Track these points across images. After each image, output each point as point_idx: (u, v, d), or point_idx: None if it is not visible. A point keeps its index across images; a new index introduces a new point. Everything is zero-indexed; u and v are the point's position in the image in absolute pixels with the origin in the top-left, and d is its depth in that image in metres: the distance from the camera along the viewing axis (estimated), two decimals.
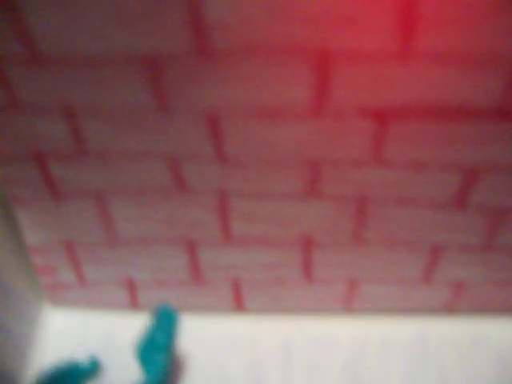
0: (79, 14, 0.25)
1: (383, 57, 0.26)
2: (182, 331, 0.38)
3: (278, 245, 0.35)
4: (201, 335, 0.40)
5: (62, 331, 0.40)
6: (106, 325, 0.40)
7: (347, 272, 0.37)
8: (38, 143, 0.31)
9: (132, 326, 0.39)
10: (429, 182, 0.31)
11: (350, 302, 0.39)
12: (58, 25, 0.26)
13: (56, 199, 0.34)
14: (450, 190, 0.31)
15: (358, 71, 0.27)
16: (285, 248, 0.36)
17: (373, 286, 0.38)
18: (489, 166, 0.30)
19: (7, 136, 0.31)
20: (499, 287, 0.37)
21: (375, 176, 0.31)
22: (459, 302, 0.39)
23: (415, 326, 0.39)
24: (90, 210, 0.34)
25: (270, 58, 0.26)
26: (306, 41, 0.25)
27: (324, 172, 0.31)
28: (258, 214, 0.34)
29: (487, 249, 0.35)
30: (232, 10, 0.25)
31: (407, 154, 0.30)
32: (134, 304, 0.40)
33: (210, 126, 0.29)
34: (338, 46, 0.26)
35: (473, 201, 0.32)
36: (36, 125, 0.30)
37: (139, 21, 0.25)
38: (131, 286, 0.39)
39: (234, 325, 0.40)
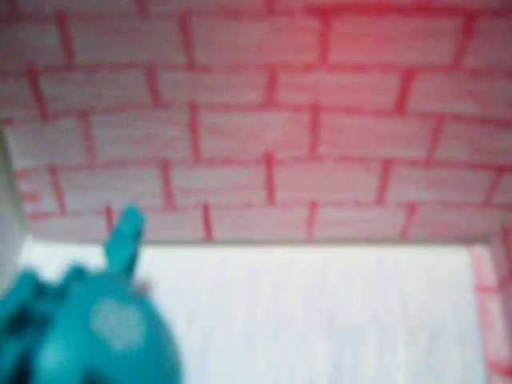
0: None
1: None
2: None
3: (242, 163, 0.39)
4: (169, 264, 0.43)
5: (43, 263, 0.43)
6: (86, 257, 0.43)
7: (306, 194, 0.40)
8: (31, 57, 0.35)
9: None
10: (371, 87, 0.35)
11: (310, 228, 0.42)
12: None
13: (43, 119, 0.37)
14: (390, 95, 0.35)
15: None
16: (249, 166, 0.39)
17: (331, 210, 0.41)
18: (424, 66, 0.34)
19: (1, 50, 0.35)
20: (448, 209, 0.41)
21: (324, 80, 0.35)
22: (413, 227, 0.42)
23: (373, 253, 0.43)
24: (73, 130, 0.38)
25: None
26: None
27: (279, 77, 0.35)
28: (224, 129, 0.37)
29: (432, 163, 0.38)
30: None
31: (350, 56, 0.34)
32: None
33: (181, 29, 0.33)
34: None
35: (412, 106, 0.36)
36: (30, 36, 0.34)
37: None
38: (109, 215, 0.42)
39: (202, 254, 0.43)
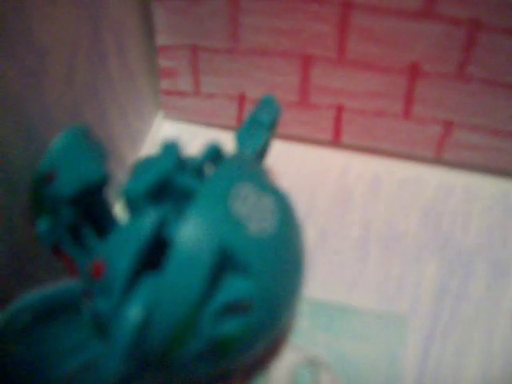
0: None
1: None
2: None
3: (385, 71, 0.38)
4: (294, 159, 0.43)
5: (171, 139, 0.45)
6: (214, 139, 0.44)
7: (444, 112, 0.39)
8: None
9: None
10: None
11: (440, 148, 0.41)
12: None
13: None
14: None
15: None
16: (391, 75, 0.38)
17: (466, 133, 0.40)
18: None
19: None
20: None
21: None
22: None
23: (500, 184, 0.41)
24: (221, 12, 0.38)
25: None
26: None
27: None
28: (374, 33, 0.36)
29: None
30: None
31: None
32: (239, 123, 0.43)
33: None
34: None
35: None
36: None
37: None
38: (242, 102, 0.43)
39: (327, 156, 0.43)
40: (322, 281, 0.38)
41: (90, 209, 0.31)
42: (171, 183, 0.28)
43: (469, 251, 0.39)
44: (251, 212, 0.26)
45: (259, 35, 0.38)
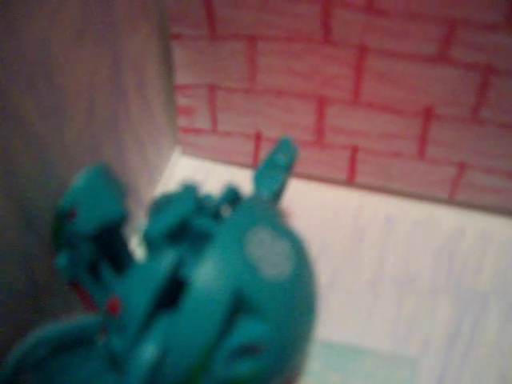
0: None
1: None
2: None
3: (400, 113, 0.39)
4: (308, 198, 0.44)
5: (187, 176, 0.45)
6: (229, 177, 0.45)
7: (458, 154, 0.39)
8: None
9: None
10: None
11: (454, 189, 0.41)
12: None
13: (212, 38, 0.38)
14: None
15: None
16: (406, 117, 0.39)
17: (480, 175, 0.40)
18: None
19: None
20: None
21: (505, 43, 0.34)
22: None
23: None
24: (239, 54, 0.39)
25: None
26: None
27: (458, 32, 0.34)
28: (389, 76, 0.37)
29: None
30: None
31: None
32: (255, 161, 0.44)
33: None
34: None
35: None
36: None
37: None
38: (258, 141, 0.43)
39: (342, 195, 0.44)
40: (334, 321, 0.39)
41: (107, 245, 0.31)
42: (189, 224, 0.28)
43: (482, 293, 0.39)
44: (266, 256, 0.26)
45: (276, 76, 0.39)
